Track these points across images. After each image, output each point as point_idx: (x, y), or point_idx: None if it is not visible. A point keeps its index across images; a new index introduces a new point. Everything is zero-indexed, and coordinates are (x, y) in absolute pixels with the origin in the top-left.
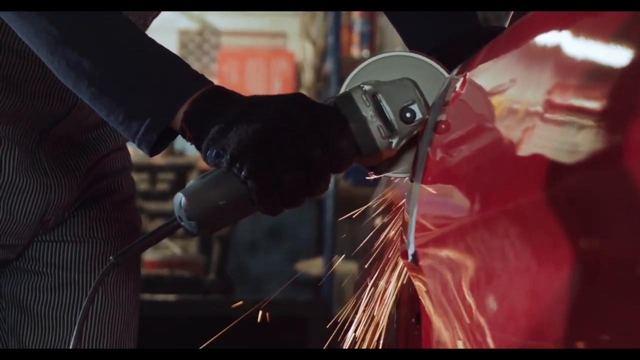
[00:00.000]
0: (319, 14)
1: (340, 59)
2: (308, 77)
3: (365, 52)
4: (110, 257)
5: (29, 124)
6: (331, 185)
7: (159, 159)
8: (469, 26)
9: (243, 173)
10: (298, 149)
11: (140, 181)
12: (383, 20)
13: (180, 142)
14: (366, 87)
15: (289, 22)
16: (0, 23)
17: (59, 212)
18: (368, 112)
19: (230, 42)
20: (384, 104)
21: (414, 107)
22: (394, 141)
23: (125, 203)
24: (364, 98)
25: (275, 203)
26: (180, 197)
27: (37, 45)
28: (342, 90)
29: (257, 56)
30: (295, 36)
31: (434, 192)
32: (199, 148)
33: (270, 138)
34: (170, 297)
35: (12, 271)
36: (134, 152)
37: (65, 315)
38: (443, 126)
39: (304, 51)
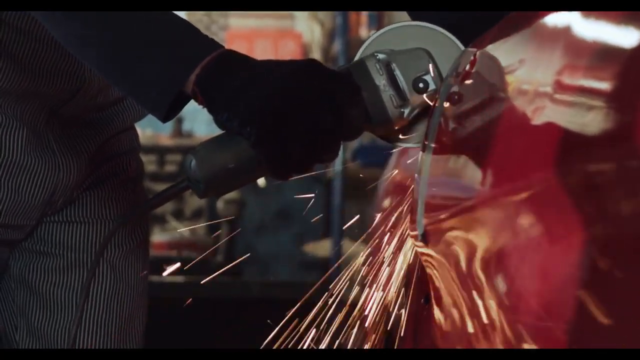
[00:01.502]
0: None
1: (349, 40)
2: (316, 58)
3: (373, 33)
4: (119, 216)
5: (37, 104)
6: (339, 167)
7: (166, 141)
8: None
9: (253, 137)
10: (309, 115)
11: (148, 162)
12: None
13: (188, 124)
14: (380, 56)
15: None
16: None
17: (67, 192)
18: (381, 80)
19: (238, 23)
20: (397, 73)
21: (427, 77)
22: (406, 111)
23: (133, 184)
24: (378, 67)
25: (284, 168)
26: (190, 159)
27: (46, 16)
28: (357, 58)
29: (265, 37)
30: (303, 17)
31: (445, 159)
32: (210, 112)
33: (281, 103)
34: (178, 279)
35: (20, 252)
36: (142, 133)
37: (73, 295)
38: (456, 97)
39: (311, 32)
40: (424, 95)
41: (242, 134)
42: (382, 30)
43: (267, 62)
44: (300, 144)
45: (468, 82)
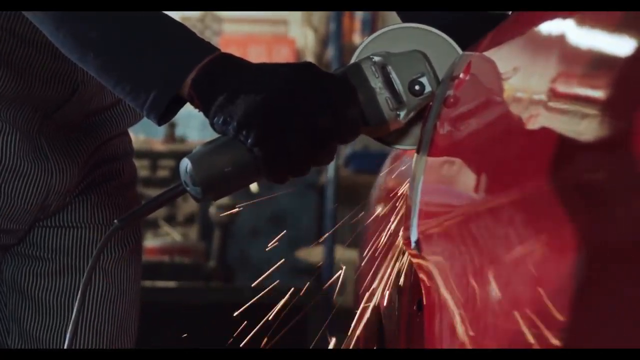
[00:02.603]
0: None
1: (342, 46)
2: None
3: (370, 36)
4: (115, 220)
5: (30, 108)
6: (332, 173)
7: (159, 146)
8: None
9: (250, 140)
10: (305, 117)
11: (141, 167)
12: None
13: (181, 129)
14: (376, 58)
15: None
16: None
17: (60, 197)
18: (377, 83)
19: (232, 28)
20: (393, 75)
21: (424, 79)
22: (402, 113)
23: (126, 189)
24: (373, 69)
25: (280, 171)
26: (186, 162)
27: (42, 19)
28: (353, 60)
29: (259, 43)
30: (297, 23)
31: (439, 164)
32: (206, 115)
33: (277, 106)
34: (171, 284)
35: (13, 256)
36: (135, 138)
37: (66, 300)
38: (452, 100)
39: (305, 38)
40: (420, 98)
41: (239, 137)
42: (378, 33)
43: (263, 65)
44: (296, 146)
45: (464, 86)
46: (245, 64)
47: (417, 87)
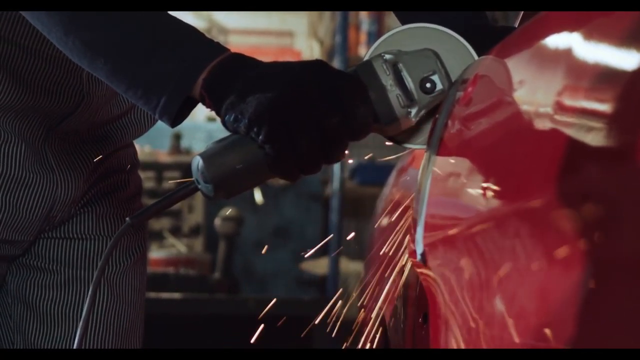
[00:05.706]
0: (327, 13)
1: (348, 59)
2: None
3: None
4: (127, 218)
5: (36, 120)
6: (337, 185)
7: (165, 157)
8: (479, 24)
9: (260, 137)
10: (316, 115)
11: (147, 179)
12: (390, 19)
13: (186, 141)
14: (387, 56)
15: (296, 21)
16: (7, 19)
17: (65, 208)
18: (388, 80)
19: (238, 40)
20: (404, 73)
21: (435, 77)
22: (413, 111)
23: (131, 201)
24: (385, 67)
25: (291, 168)
26: (198, 160)
27: (50, 27)
28: (365, 59)
29: (265, 55)
30: (303, 35)
31: (445, 177)
32: (218, 113)
33: (288, 103)
34: (176, 296)
35: (18, 268)
36: (140, 150)
37: (70, 312)
38: (464, 99)
39: (311, 50)
40: (432, 96)
41: (250, 135)
42: (391, 32)
43: (274, 63)
44: (307, 143)
45: (478, 85)
46: (256, 62)
47: (428, 85)
